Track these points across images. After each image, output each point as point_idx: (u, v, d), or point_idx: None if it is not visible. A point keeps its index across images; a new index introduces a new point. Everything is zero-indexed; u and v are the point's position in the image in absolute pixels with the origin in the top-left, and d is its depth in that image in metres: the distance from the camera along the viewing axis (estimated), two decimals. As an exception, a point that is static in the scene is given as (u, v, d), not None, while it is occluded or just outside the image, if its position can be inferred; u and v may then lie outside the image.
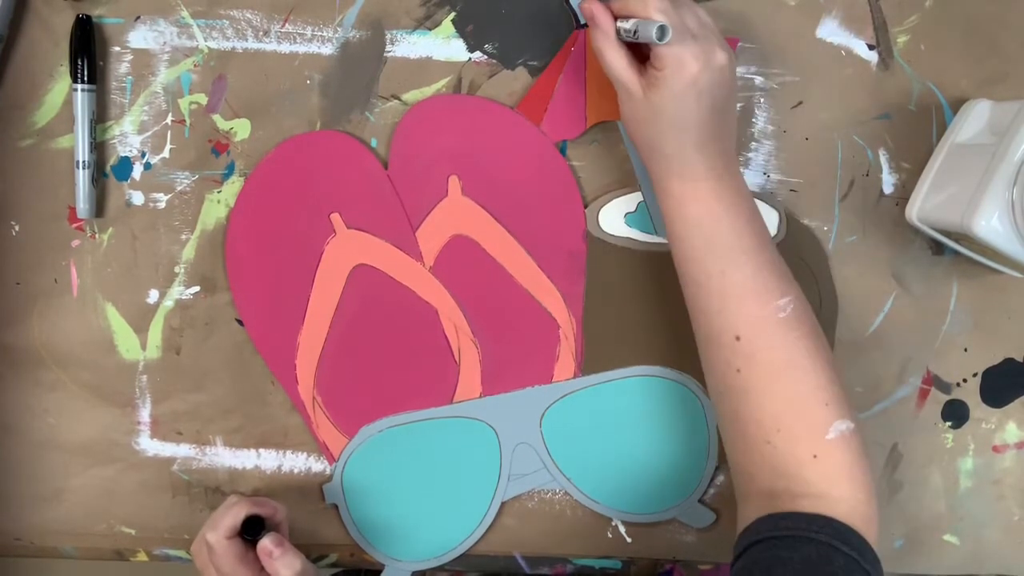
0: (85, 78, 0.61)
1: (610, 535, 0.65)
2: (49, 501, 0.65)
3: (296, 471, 0.65)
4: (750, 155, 0.62)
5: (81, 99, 0.61)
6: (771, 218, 0.62)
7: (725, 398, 0.54)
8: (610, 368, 0.64)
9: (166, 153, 0.63)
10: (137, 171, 0.63)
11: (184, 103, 0.62)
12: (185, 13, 0.62)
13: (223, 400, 0.64)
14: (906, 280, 0.63)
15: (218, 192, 0.63)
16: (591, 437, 0.64)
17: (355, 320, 0.63)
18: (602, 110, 0.61)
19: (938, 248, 0.63)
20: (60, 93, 0.62)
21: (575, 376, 0.64)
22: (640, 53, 0.53)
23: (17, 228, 0.63)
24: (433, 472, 0.64)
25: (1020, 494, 0.64)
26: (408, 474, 0.64)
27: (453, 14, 0.62)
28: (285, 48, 0.62)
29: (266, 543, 0.56)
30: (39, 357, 0.64)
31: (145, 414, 0.64)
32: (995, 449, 0.64)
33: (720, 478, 0.64)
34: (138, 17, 0.62)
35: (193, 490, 0.65)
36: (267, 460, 0.65)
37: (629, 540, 0.65)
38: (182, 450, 0.65)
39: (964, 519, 0.65)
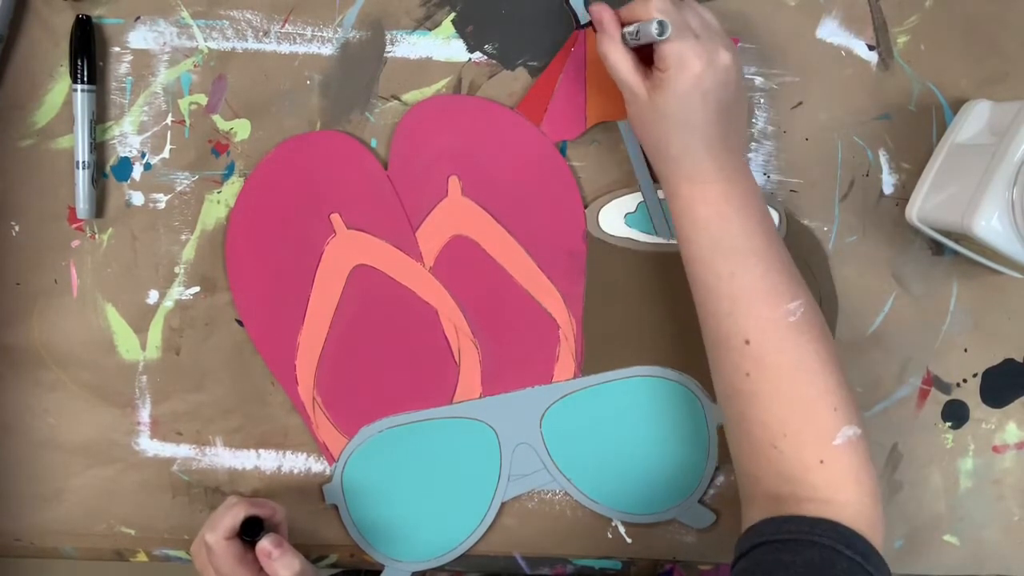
0: (85, 78, 0.61)
1: (610, 535, 0.65)
2: (49, 501, 0.65)
3: (296, 471, 0.65)
4: (750, 155, 0.62)
5: (81, 99, 0.61)
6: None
7: (732, 401, 0.54)
8: (610, 368, 0.64)
9: (166, 153, 0.63)
10: (137, 171, 0.63)
11: (184, 103, 0.62)
12: (185, 13, 0.62)
13: (223, 400, 0.64)
14: (906, 280, 0.63)
15: (218, 192, 0.63)
16: (591, 437, 0.64)
17: (355, 320, 0.63)
18: (602, 110, 0.61)
19: (938, 248, 0.63)
20: (60, 93, 0.62)
21: (575, 376, 0.64)
22: (646, 58, 0.53)
23: (17, 228, 0.63)
24: (433, 472, 0.64)
25: (1020, 494, 0.64)
26: (408, 474, 0.64)
27: (453, 14, 0.62)
28: (285, 48, 0.62)
29: (265, 544, 0.56)
30: (39, 357, 0.64)
31: (145, 414, 0.65)
32: (995, 449, 0.64)
33: (720, 479, 0.64)
34: (138, 17, 0.62)
35: (193, 490, 0.65)
36: (267, 460, 0.65)
37: (629, 540, 0.65)
38: (182, 450, 0.65)
39: (964, 519, 0.65)
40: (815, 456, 0.51)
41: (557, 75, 0.61)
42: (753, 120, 0.62)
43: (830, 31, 0.62)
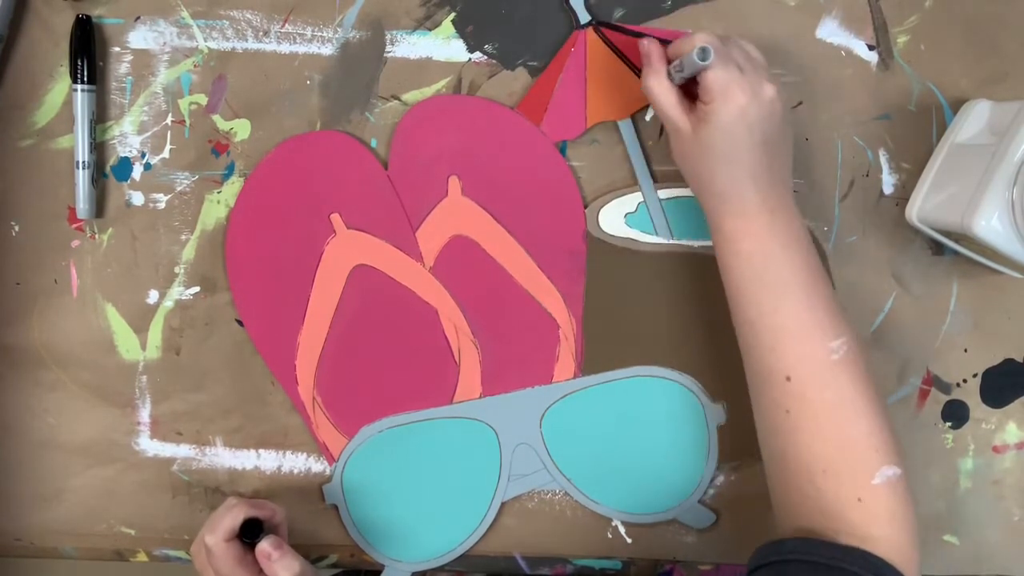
0: (85, 78, 0.61)
1: (610, 535, 0.65)
2: (49, 501, 0.65)
3: (296, 471, 0.65)
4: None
5: (81, 99, 0.61)
6: (771, 218, 0.62)
7: (772, 437, 0.53)
8: (610, 368, 0.64)
9: (166, 153, 0.63)
10: (137, 171, 0.63)
11: (184, 103, 0.62)
12: (185, 13, 0.62)
13: (223, 400, 0.64)
14: (906, 280, 0.63)
15: (218, 192, 0.63)
16: (591, 437, 0.64)
17: (355, 320, 0.63)
18: (602, 110, 0.61)
19: (938, 248, 0.63)
20: (60, 93, 0.62)
21: (575, 376, 0.64)
22: (691, 95, 0.53)
23: (17, 228, 0.63)
24: (433, 472, 0.64)
25: (1020, 494, 0.64)
26: (408, 474, 0.64)
27: (453, 14, 0.62)
28: (285, 48, 0.62)
29: (264, 546, 0.56)
30: (39, 357, 0.64)
31: (145, 414, 0.65)
32: (995, 449, 0.64)
33: (720, 479, 0.64)
34: (138, 17, 0.62)
35: (193, 490, 0.65)
36: (267, 460, 0.65)
37: (629, 540, 0.65)
38: (182, 450, 0.65)
39: (964, 519, 0.65)
40: (853, 494, 0.50)
41: (557, 75, 0.61)
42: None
43: (830, 31, 0.62)
